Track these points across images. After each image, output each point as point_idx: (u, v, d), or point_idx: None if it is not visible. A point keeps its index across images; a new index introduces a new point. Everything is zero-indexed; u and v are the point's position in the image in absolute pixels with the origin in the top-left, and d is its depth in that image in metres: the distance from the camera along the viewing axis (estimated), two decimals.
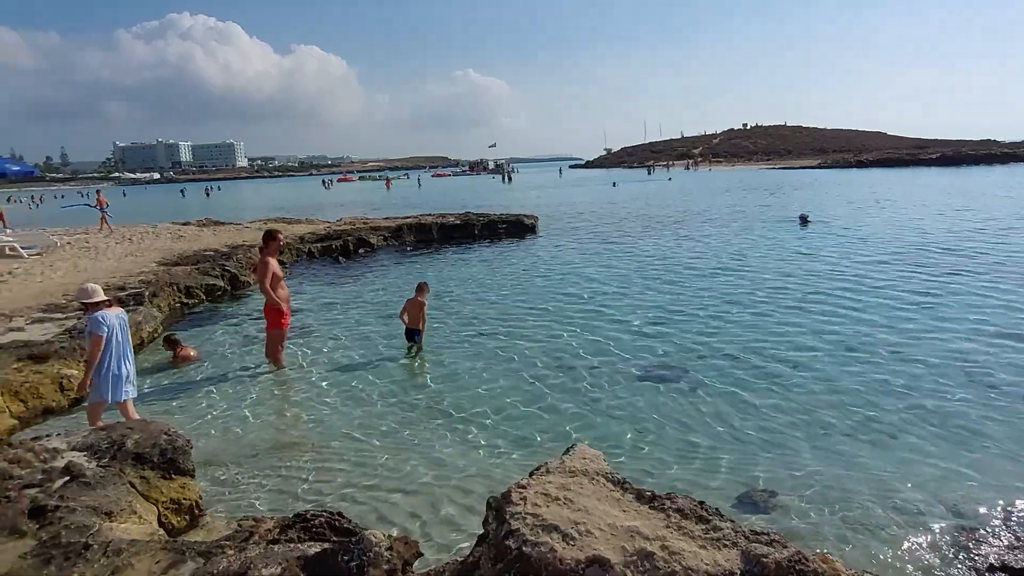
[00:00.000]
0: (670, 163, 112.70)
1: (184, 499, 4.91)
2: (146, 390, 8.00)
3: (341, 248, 19.22)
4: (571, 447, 3.08)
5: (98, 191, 22.04)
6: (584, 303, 12.15)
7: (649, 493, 2.58)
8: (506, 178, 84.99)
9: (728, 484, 5.44)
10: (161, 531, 4.33)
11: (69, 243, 17.96)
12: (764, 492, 5.30)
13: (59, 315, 10.19)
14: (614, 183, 61.28)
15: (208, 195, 75.95)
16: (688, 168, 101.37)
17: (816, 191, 42.04)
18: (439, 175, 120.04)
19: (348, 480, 5.69)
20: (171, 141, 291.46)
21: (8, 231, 18.17)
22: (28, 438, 5.46)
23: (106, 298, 6.04)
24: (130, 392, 6.17)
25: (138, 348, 9.56)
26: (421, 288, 9.39)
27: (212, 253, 16.49)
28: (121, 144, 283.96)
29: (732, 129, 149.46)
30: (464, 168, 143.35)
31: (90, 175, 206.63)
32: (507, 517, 2.40)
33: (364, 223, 23.53)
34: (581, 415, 6.95)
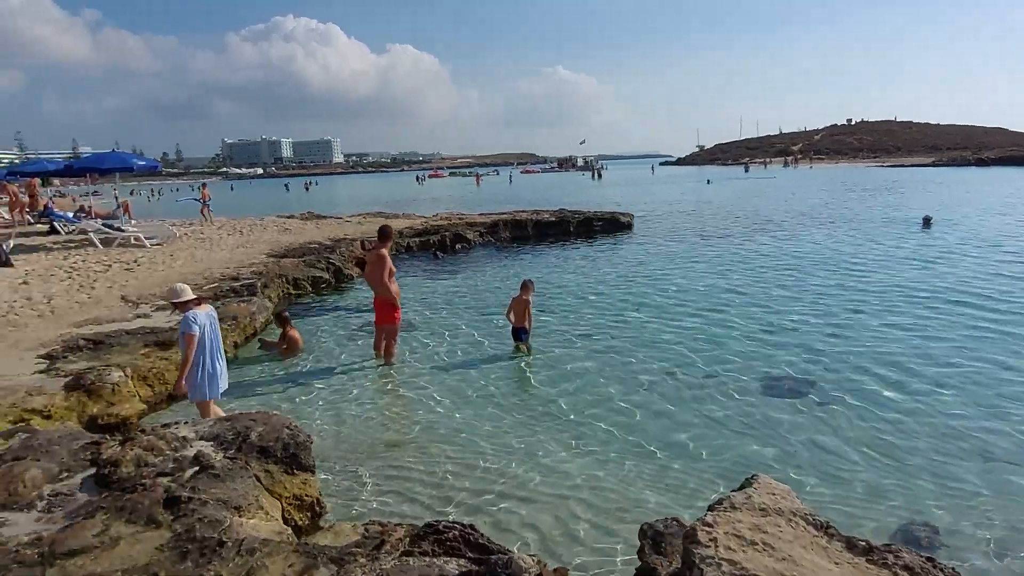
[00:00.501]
0: (768, 160, 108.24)
1: (306, 496, 4.86)
2: (252, 380, 8.16)
3: (439, 243, 19.33)
4: (751, 478, 2.71)
5: (203, 185, 23.31)
6: (692, 305, 11.58)
7: (863, 543, 2.19)
8: (595, 175, 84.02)
9: (883, 515, 4.88)
10: (288, 530, 4.27)
11: (186, 234, 18.92)
12: (925, 527, 4.72)
13: None
14: (708, 180, 59.30)
15: (307, 189, 79.20)
16: (787, 165, 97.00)
17: (935, 190, 39.07)
18: (527, 172, 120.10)
19: (460, 485, 5.51)
20: (274, 138, 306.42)
21: (133, 222, 19.31)
22: (159, 424, 5.59)
23: (195, 296, 6.06)
24: (223, 387, 6.24)
25: (251, 337, 9.84)
26: (526, 286, 9.16)
27: (316, 246, 16.93)
28: (229, 141, 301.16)
29: (835, 125, 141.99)
30: (552, 165, 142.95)
31: (201, 170, 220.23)
32: (696, 561, 2.08)
33: (460, 219, 23.65)
34: (705, 429, 6.50)
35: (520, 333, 9.10)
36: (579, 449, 6.13)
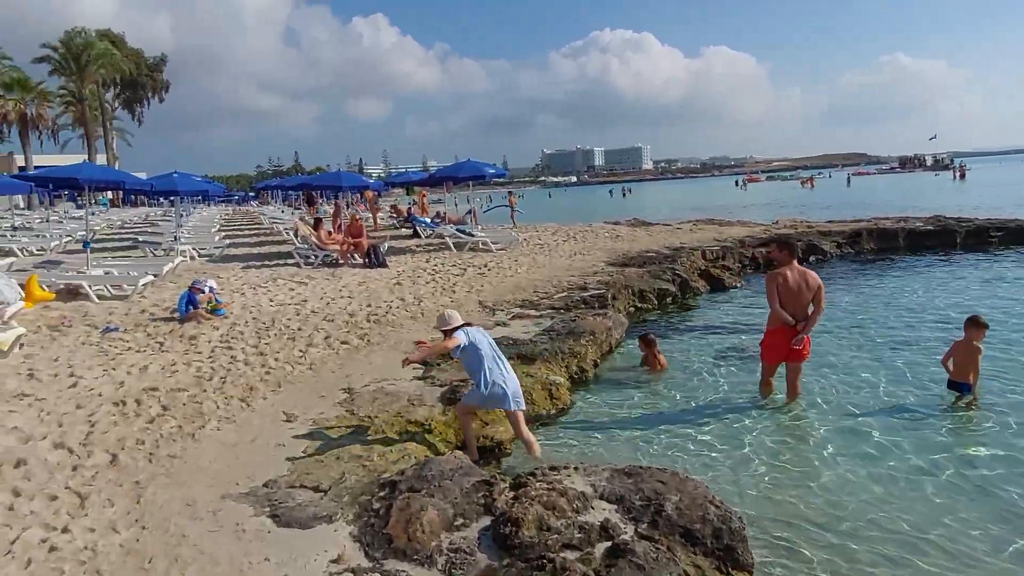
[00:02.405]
0: None
1: None
2: (606, 408, 7.20)
3: None
4: None
5: (509, 193, 24.52)
6: None
7: None
8: (957, 175, 70.50)
9: None
10: None
11: (524, 239, 19.48)
12: None
13: (534, 312, 10.35)
14: None
15: (624, 195, 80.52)
16: None
17: None
18: (859, 173, 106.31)
19: None
20: (587, 147, 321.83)
21: (479, 227, 20.51)
22: (545, 466, 4.85)
23: (463, 323, 5.81)
24: (520, 405, 5.75)
25: (605, 355, 9.04)
26: (975, 326, 6.76)
27: (653, 254, 15.96)
28: (547, 151, 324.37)
29: None
30: (892, 165, 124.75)
31: (523, 179, 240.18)
32: None
33: (808, 226, 20.79)
34: None
35: (962, 387, 6.76)
36: None
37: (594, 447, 6.20)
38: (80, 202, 15.30)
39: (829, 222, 22.75)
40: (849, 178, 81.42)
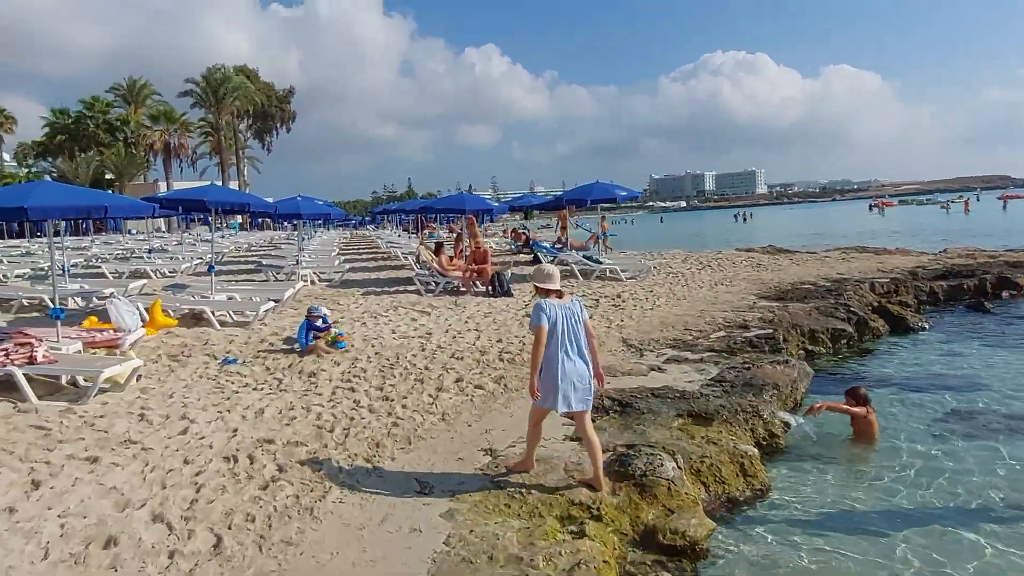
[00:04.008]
0: None
1: None
2: (819, 488, 5.55)
3: (975, 288, 14.39)
4: None
5: (602, 218, 23.02)
6: None
7: None
8: None
9: None
10: None
11: (654, 268, 17.88)
12: None
13: (690, 355, 8.82)
14: None
15: (745, 220, 76.72)
16: None
17: None
18: (1012, 197, 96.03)
19: None
20: (697, 171, 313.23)
21: (605, 253, 19.12)
22: None
23: (558, 287, 4.98)
24: (587, 404, 4.88)
25: (792, 411, 7.35)
26: None
27: (811, 287, 13.95)
28: (656, 176, 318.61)
29: None
30: None
31: (630, 204, 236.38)
32: None
33: (988, 256, 17.93)
34: None
35: None
36: None
37: (823, 557, 4.60)
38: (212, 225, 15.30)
39: (1008, 250, 19.71)
40: (1006, 202, 73.44)
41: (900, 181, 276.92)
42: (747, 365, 7.81)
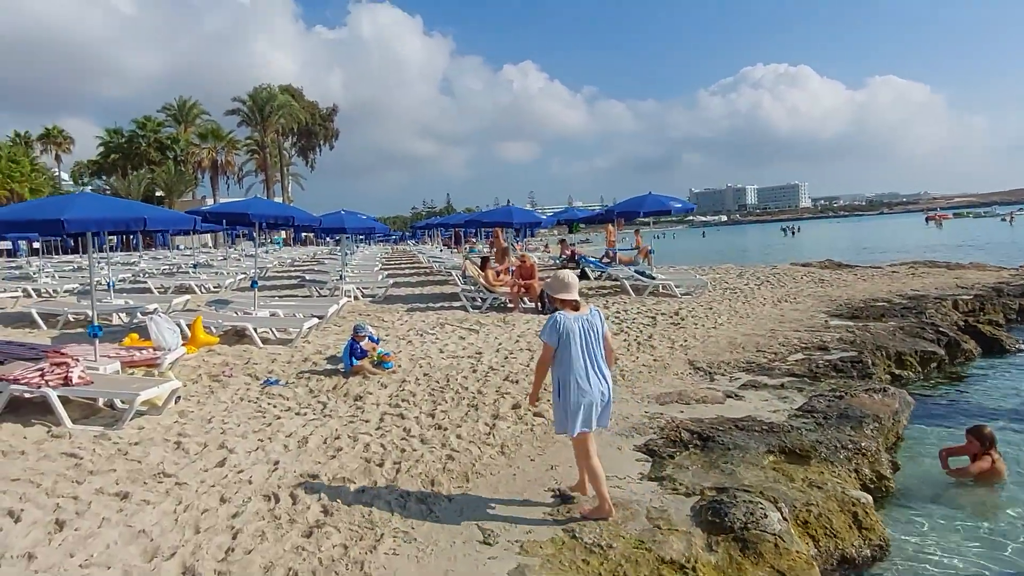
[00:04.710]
0: None
1: None
2: (946, 543, 4.72)
3: None
4: None
5: (636, 231, 22.42)
6: None
7: None
8: None
9: None
10: None
11: (709, 283, 17.01)
12: None
13: (768, 380, 8.02)
14: None
15: (793, 234, 74.80)
16: None
17: None
18: None
19: None
20: (739, 185, 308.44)
21: (655, 267, 18.33)
22: None
23: (574, 298, 4.48)
24: (607, 422, 4.58)
25: (894, 446, 6.51)
26: None
27: (885, 304, 12.96)
28: (696, 190, 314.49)
29: None
30: None
31: (669, 219, 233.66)
32: None
33: None
34: None
35: None
36: None
37: None
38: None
39: None
40: None
41: (952, 193, 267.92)
42: (839, 393, 6.99)
